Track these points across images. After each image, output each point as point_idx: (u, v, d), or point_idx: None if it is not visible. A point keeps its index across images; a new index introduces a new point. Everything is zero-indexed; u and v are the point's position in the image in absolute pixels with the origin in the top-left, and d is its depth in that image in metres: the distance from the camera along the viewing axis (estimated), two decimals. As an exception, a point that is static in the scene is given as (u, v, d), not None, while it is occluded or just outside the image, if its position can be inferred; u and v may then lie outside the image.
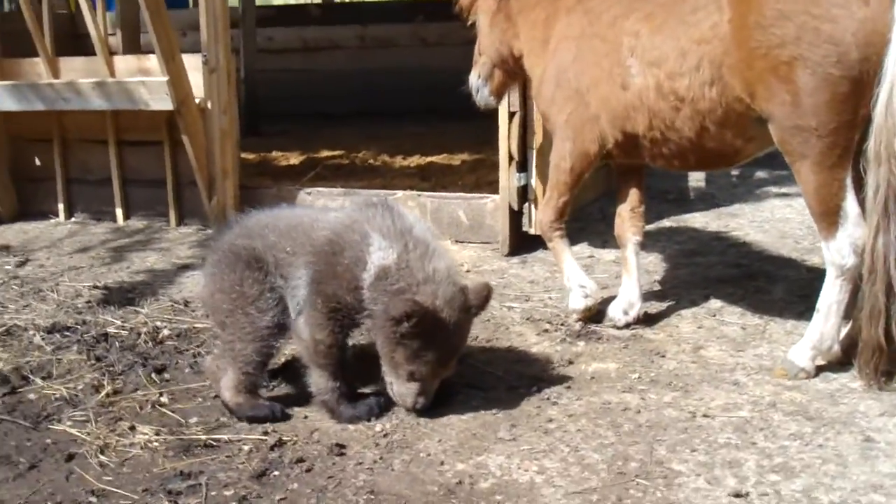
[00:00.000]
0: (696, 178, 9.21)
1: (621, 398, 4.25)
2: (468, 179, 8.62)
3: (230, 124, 7.67)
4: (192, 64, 7.45)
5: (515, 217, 6.88)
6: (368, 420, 4.03)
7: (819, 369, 4.46)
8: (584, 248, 6.78)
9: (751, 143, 4.51)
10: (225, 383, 4.11)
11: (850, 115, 4.07)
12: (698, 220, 7.73)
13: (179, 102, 7.28)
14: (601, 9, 4.86)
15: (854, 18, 3.96)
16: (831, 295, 4.33)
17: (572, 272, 5.22)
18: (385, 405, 4.12)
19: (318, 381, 4.07)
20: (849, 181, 4.18)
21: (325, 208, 4.42)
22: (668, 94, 4.51)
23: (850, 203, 4.19)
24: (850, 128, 4.10)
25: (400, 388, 4.02)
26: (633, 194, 5.28)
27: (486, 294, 4.06)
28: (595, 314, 5.26)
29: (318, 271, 3.99)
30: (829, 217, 4.22)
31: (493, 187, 7.14)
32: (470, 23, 5.74)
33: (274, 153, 10.69)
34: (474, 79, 5.75)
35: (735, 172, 9.48)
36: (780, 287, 5.82)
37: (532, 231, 6.82)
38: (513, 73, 5.67)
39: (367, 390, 4.32)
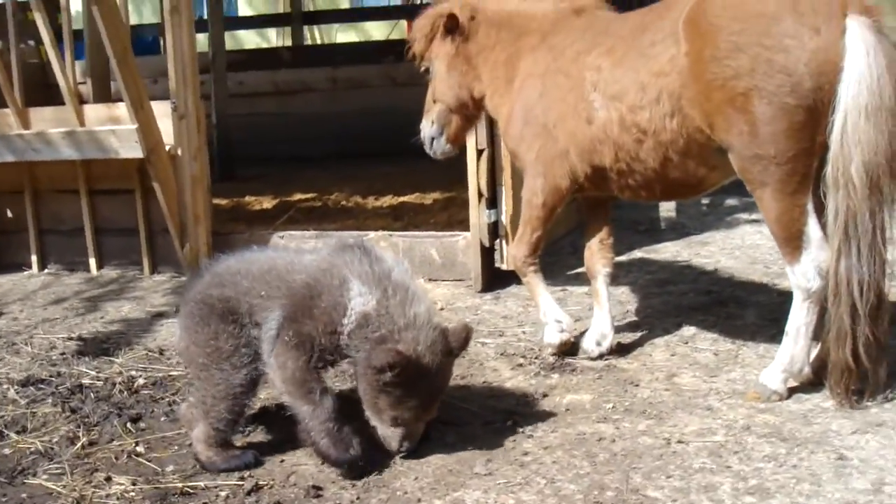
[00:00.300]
0: (667, 208, 9.30)
1: (596, 428, 4.27)
2: (440, 218, 8.69)
3: (201, 170, 7.69)
4: (162, 111, 7.47)
5: (487, 253, 6.92)
6: (352, 462, 3.89)
7: (791, 391, 4.51)
8: (556, 282, 6.82)
9: (714, 172, 4.58)
10: (197, 436, 4.08)
11: (808, 142, 4.16)
12: (669, 249, 7.81)
13: (149, 150, 7.30)
14: (564, 44, 4.94)
15: (806, 49, 4.06)
16: (799, 318, 4.40)
17: (548, 307, 5.25)
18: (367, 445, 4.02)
19: (297, 405, 3.94)
20: (810, 206, 4.26)
21: (299, 250, 4.36)
22: (630, 127, 4.58)
23: (813, 228, 4.27)
24: (808, 155, 4.19)
25: (384, 432, 3.98)
26: (601, 226, 5.33)
27: (465, 335, 4.02)
28: (570, 348, 5.29)
29: (294, 311, 3.95)
30: (792, 242, 4.29)
31: (464, 225, 7.19)
32: (423, 69, 5.71)
33: (247, 198, 10.72)
34: (428, 128, 5.67)
35: (705, 201, 9.57)
36: (752, 312, 5.89)
37: (504, 267, 6.86)
38: (471, 117, 5.68)
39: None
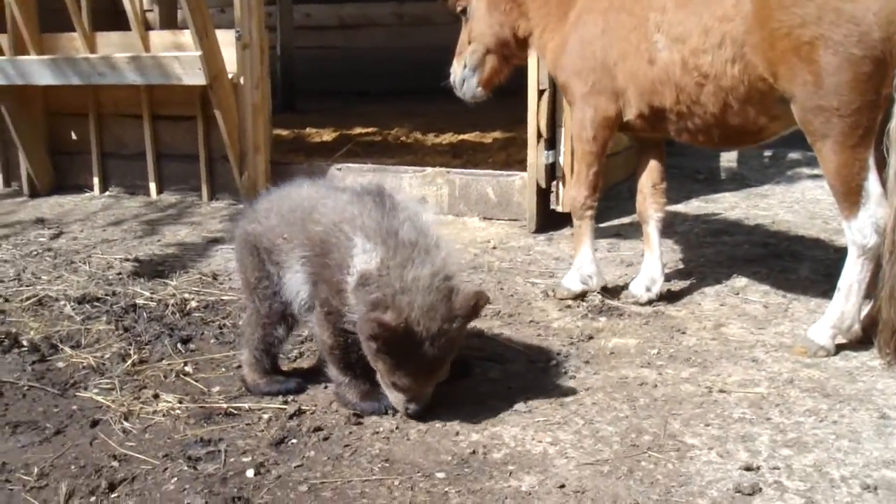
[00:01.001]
0: (728, 159, 9.19)
1: (639, 373, 4.27)
2: (499, 157, 8.67)
3: (262, 100, 7.75)
4: (226, 40, 7.54)
5: (543, 195, 6.91)
6: (381, 414, 3.91)
7: (839, 348, 4.46)
8: (610, 226, 6.79)
9: (774, 122, 4.51)
10: (243, 359, 4.21)
11: (873, 95, 4.06)
12: (728, 199, 7.72)
13: (212, 77, 7.37)
14: None
15: (875, -3, 3.95)
16: (852, 274, 4.33)
17: (585, 259, 5.26)
18: None
19: (331, 372, 4.01)
20: (871, 161, 4.17)
21: (329, 187, 4.22)
22: (692, 70, 4.52)
23: (873, 183, 4.18)
24: (872, 108, 4.09)
25: (390, 394, 3.85)
26: (655, 170, 5.29)
27: (474, 302, 3.68)
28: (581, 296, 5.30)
29: (314, 274, 3.88)
30: (850, 197, 4.22)
31: (522, 165, 7.17)
32: (460, 9, 5.66)
33: (308, 129, 10.78)
34: (460, 70, 5.67)
35: (767, 153, 9.44)
36: (806, 266, 5.82)
37: (559, 209, 6.84)
38: (509, 57, 5.63)
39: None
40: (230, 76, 7.57)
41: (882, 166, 4.15)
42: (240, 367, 4.33)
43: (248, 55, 7.57)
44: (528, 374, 4.30)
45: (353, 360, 3.88)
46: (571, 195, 5.34)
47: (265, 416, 3.91)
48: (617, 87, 4.92)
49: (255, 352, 4.13)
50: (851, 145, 4.14)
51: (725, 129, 4.65)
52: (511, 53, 5.60)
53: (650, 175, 5.29)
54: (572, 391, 4.10)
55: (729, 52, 4.36)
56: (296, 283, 3.97)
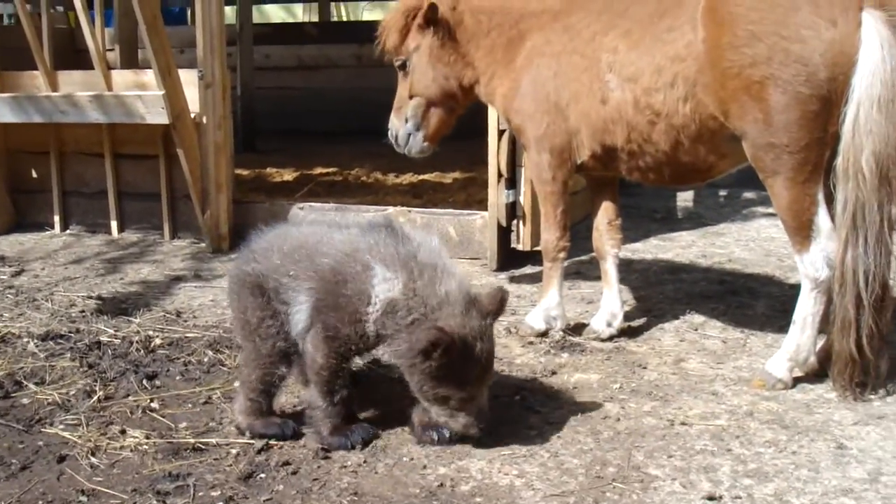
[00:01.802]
0: (684, 198, 9.35)
1: (602, 407, 4.34)
2: (459, 197, 8.76)
3: (225, 139, 7.78)
4: (189, 79, 7.57)
5: (504, 233, 6.99)
6: (348, 448, 3.93)
7: (796, 381, 4.58)
8: (570, 264, 6.87)
9: (724, 160, 4.66)
10: (236, 407, 4.16)
11: (821, 132, 4.21)
12: (685, 238, 7.86)
13: (175, 117, 7.39)
14: (581, 26, 4.98)
15: (822, 39, 4.12)
16: (806, 307, 4.45)
17: (552, 301, 5.35)
18: (372, 436, 4.03)
19: (312, 395, 4.03)
20: (820, 196, 4.32)
21: (332, 224, 4.21)
22: (644, 109, 4.64)
23: (823, 217, 4.32)
24: (820, 144, 4.24)
25: (458, 419, 3.85)
26: (609, 208, 5.39)
27: (501, 297, 3.91)
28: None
29: (321, 301, 3.88)
30: (802, 231, 4.35)
31: (483, 205, 7.27)
32: (398, 64, 5.66)
33: (269, 169, 10.80)
34: (401, 126, 5.69)
35: (723, 193, 9.62)
36: (763, 302, 5.94)
37: (520, 247, 6.93)
38: (454, 109, 5.64)
39: (366, 412, 4.35)
40: (192, 115, 7.59)
41: (830, 201, 4.29)
42: (206, 402, 4.34)
43: (210, 94, 7.61)
44: (493, 408, 4.32)
45: (337, 387, 3.93)
46: (544, 238, 5.36)
47: (233, 451, 3.93)
48: (570, 127, 5.01)
49: (252, 393, 4.06)
50: (801, 181, 4.27)
51: (676, 166, 4.77)
52: (456, 104, 5.62)
53: (605, 213, 5.39)
54: (537, 425, 4.16)
55: (681, 90, 4.49)
56: (301, 315, 3.96)
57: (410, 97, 5.62)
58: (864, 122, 4.09)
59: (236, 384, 4.47)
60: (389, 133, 5.78)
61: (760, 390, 4.52)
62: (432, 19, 5.36)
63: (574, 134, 5.01)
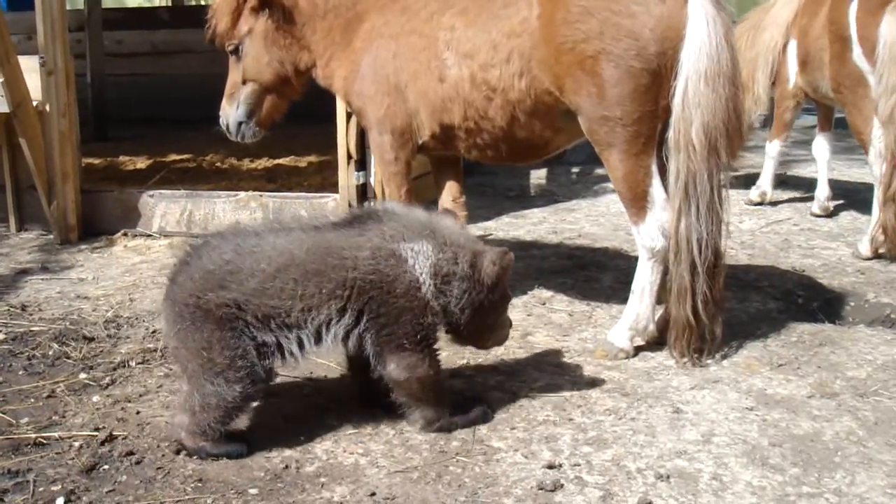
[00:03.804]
0: (538, 176, 9.49)
1: (448, 383, 4.35)
2: (314, 180, 8.70)
3: (70, 127, 7.51)
4: (30, 66, 7.26)
5: (356, 215, 6.95)
6: (484, 422, 3.95)
7: (638, 350, 4.70)
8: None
9: (560, 135, 4.73)
10: (180, 424, 3.71)
11: (652, 105, 4.32)
12: (537, 215, 7.97)
13: (16, 105, 7.08)
14: (418, 6, 4.97)
15: (651, 15, 4.22)
16: (644, 277, 4.57)
17: None
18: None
19: (426, 414, 3.86)
20: (654, 168, 4.43)
21: (273, 230, 3.83)
22: (480, 84, 4.66)
23: (657, 189, 4.43)
24: (652, 117, 4.35)
25: (500, 334, 4.09)
26: (452, 186, 5.45)
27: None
28: None
29: (376, 319, 3.69)
30: (637, 202, 4.45)
31: (336, 188, 7.21)
32: (230, 48, 5.45)
33: (121, 158, 10.50)
34: (233, 112, 5.53)
35: (575, 170, 9.80)
36: (609, 276, 6.08)
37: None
38: (289, 94, 5.54)
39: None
40: (35, 104, 7.30)
41: (664, 173, 4.40)
42: (49, 396, 4.18)
43: (53, 82, 7.32)
44: (340, 388, 4.33)
45: (444, 388, 3.98)
46: None
47: (76, 444, 3.81)
48: (410, 108, 5.00)
49: (205, 425, 3.62)
50: (635, 153, 4.37)
51: (513, 143, 4.82)
52: (291, 89, 5.53)
53: (449, 190, 5.44)
54: (383, 403, 4.15)
55: (516, 66, 4.53)
56: (338, 330, 3.72)
57: (244, 83, 5.47)
58: (693, 95, 4.21)
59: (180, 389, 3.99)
60: (221, 121, 5.61)
61: (603, 360, 4.62)
62: (266, 2, 5.24)
63: (414, 115, 5.00)
